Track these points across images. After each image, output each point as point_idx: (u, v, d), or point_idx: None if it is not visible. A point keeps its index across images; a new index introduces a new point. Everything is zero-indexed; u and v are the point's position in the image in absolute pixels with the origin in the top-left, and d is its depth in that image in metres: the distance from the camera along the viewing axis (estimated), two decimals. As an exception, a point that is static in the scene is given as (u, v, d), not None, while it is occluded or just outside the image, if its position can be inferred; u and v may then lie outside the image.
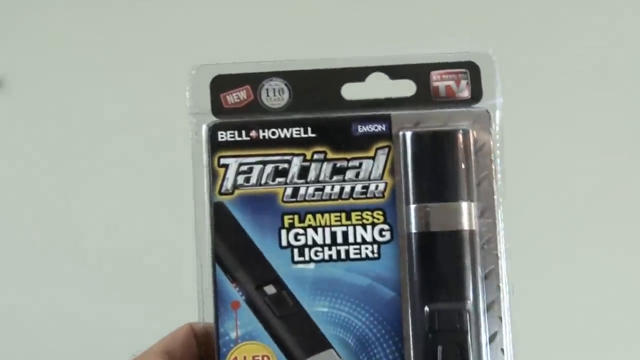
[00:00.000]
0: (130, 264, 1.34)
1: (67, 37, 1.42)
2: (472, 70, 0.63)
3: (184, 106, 0.63)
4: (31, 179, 1.39)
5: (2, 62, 1.41)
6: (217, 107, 0.62)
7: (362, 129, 0.61)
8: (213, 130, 0.62)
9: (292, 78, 0.63)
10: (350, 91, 0.63)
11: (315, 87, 0.63)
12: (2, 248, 1.39)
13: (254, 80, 0.63)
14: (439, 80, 0.63)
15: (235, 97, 0.63)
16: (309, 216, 0.61)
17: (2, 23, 1.43)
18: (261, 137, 0.61)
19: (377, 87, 0.64)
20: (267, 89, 0.63)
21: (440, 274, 0.60)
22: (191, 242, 0.62)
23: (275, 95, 0.63)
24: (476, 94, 0.63)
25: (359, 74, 0.63)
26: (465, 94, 0.62)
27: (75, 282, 1.34)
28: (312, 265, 0.61)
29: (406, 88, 0.64)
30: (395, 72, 0.63)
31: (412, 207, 0.61)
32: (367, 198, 0.61)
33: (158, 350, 0.62)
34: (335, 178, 0.61)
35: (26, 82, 1.41)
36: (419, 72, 0.63)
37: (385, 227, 0.61)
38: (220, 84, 0.63)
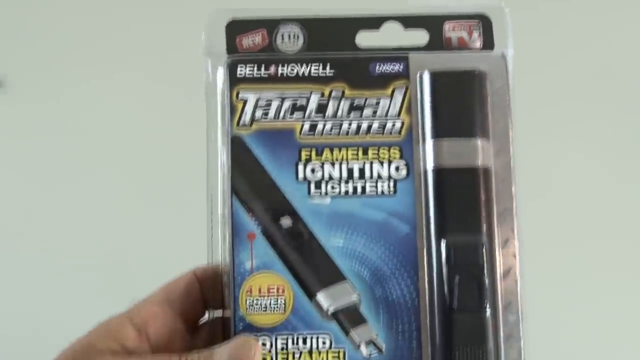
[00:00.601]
0: (127, 264, 1.33)
1: (67, 37, 1.43)
2: (484, 22, 0.65)
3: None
4: (31, 179, 1.38)
5: (2, 62, 1.42)
6: (232, 50, 0.64)
7: (380, 68, 0.63)
8: (232, 65, 0.63)
9: (308, 24, 0.64)
10: (365, 39, 0.65)
11: (330, 34, 0.64)
12: (2, 248, 1.38)
13: (270, 25, 0.64)
14: (452, 31, 0.65)
15: (251, 40, 0.64)
16: (326, 151, 0.62)
17: (2, 23, 1.44)
18: (280, 73, 0.63)
19: (391, 35, 0.66)
20: (282, 34, 0.64)
21: (456, 209, 0.61)
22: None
23: (290, 40, 0.64)
24: (488, 45, 0.65)
25: (373, 22, 0.65)
26: (477, 44, 0.64)
27: (79, 282, 1.33)
28: (328, 200, 0.61)
29: (419, 37, 0.65)
30: (409, 21, 0.65)
31: (429, 143, 0.62)
32: (383, 135, 0.62)
33: (158, 299, 0.62)
34: (352, 115, 0.62)
35: (26, 82, 1.42)
36: (432, 22, 0.65)
37: (402, 163, 0.62)
38: (236, 28, 0.64)
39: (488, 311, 0.60)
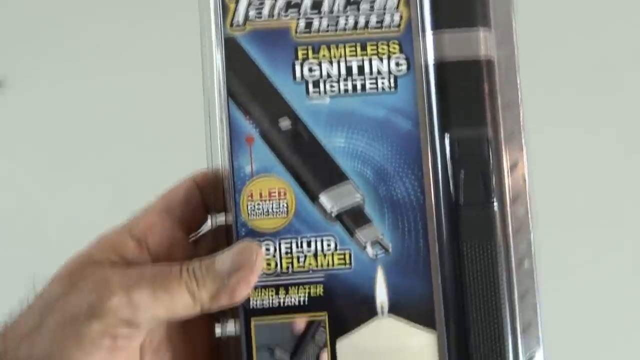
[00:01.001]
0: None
1: (67, 37, 1.43)
2: None
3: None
4: (31, 179, 1.38)
5: (2, 62, 1.42)
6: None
7: (375, -40, 0.61)
8: (222, -36, 0.61)
9: None
10: None
11: None
12: (2, 249, 1.38)
13: None
14: None
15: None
16: (323, 49, 0.60)
17: (2, 23, 1.44)
18: (272, -30, 0.61)
19: None
20: None
21: (459, 102, 0.60)
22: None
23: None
24: None
25: None
26: None
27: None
28: (327, 99, 0.60)
29: None
30: None
31: (429, 35, 0.60)
32: (382, 30, 0.61)
33: (157, 209, 0.61)
34: (349, 10, 0.61)
35: (26, 82, 1.42)
36: None
37: (402, 58, 0.60)
38: None
39: (495, 205, 0.58)
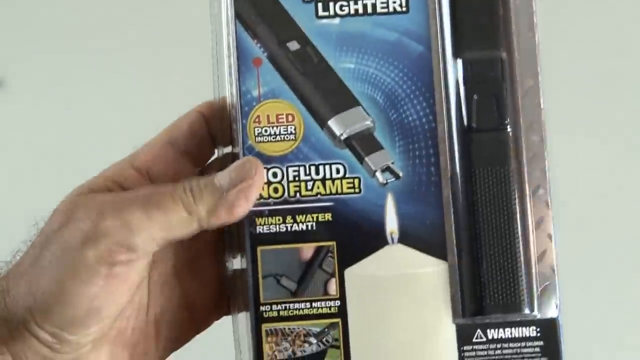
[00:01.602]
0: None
1: (67, 37, 1.43)
2: None
3: None
4: (31, 179, 1.38)
5: (2, 62, 1.43)
6: None
7: None
8: None
9: None
10: None
11: None
12: (3, 249, 1.38)
13: None
14: None
15: None
16: (333, -32, 0.59)
17: (2, 23, 1.44)
18: None
19: None
20: None
21: (472, 24, 0.58)
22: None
23: None
24: None
25: None
26: None
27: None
28: (337, 20, 0.59)
29: None
30: None
31: (442, -45, 0.59)
32: (393, -50, 0.59)
33: (161, 141, 0.59)
34: None
35: (26, 82, 1.43)
36: None
37: (413, -21, 0.59)
38: None
39: (509, 130, 0.57)
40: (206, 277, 0.61)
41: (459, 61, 0.58)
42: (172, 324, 0.60)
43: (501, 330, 0.58)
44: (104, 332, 0.56)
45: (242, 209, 0.55)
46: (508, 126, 0.58)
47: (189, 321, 0.60)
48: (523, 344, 0.58)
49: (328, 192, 0.58)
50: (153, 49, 1.42)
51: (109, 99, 1.38)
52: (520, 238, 0.57)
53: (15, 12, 1.43)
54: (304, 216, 0.58)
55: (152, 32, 1.45)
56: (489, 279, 0.57)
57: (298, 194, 0.58)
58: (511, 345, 0.58)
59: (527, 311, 0.57)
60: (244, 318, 0.58)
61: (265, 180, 0.58)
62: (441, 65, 0.59)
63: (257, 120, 0.58)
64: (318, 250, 0.58)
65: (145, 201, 0.55)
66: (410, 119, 0.59)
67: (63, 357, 0.56)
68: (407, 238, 0.58)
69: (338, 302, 0.57)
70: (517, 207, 0.57)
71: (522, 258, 0.57)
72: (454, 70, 0.59)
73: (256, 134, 0.58)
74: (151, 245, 0.55)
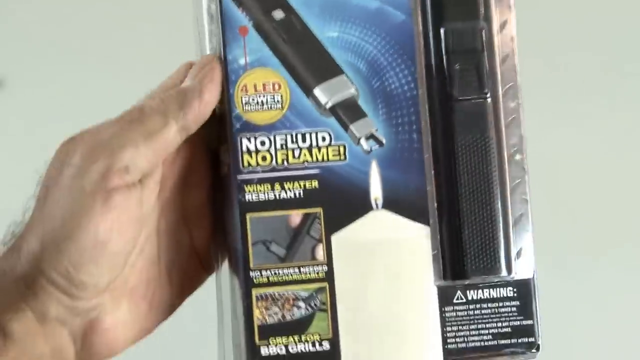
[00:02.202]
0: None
1: (67, 37, 1.43)
2: None
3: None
4: (31, 179, 1.36)
5: (2, 62, 1.43)
6: None
7: None
8: None
9: None
10: None
11: None
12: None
13: None
14: None
15: None
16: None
17: (2, 23, 1.43)
18: None
19: None
20: None
21: (453, -6, 0.60)
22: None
23: None
24: None
25: None
26: None
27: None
28: (320, -10, 0.60)
29: None
30: None
31: None
32: None
33: (175, 93, 0.60)
34: None
35: (26, 82, 1.43)
36: None
37: (394, -52, 0.60)
38: None
39: (489, 98, 0.60)
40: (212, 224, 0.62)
41: (441, 30, 0.60)
42: (184, 272, 0.62)
43: (480, 291, 0.61)
44: (117, 274, 0.57)
45: (211, 93, 0.58)
46: (488, 95, 0.60)
47: (199, 267, 0.62)
48: (500, 304, 0.61)
49: (314, 159, 0.59)
50: (153, 49, 1.43)
51: (109, 99, 1.38)
52: (499, 205, 0.60)
53: (16, 12, 1.44)
54: (292, 184, 0.59)
55: (152, 32, 1.45)
56: (469, 244, 0.60)
57: (285, 162, 0.59)
58: (489, 305, 0.61)
59: (504, 273, 0.60)
60: (235, 283, 0.60)
61: (253, 149, 0.59)
62: (422, 34, 0.61)
63: (244, 89, 0.59)
64: (306, 217, 0.59)
65: (121, 122, 0.58)
66: (392, 87, 0.60)
67: (83, 305, 0.57)
68: (390, 204, 0.60)
69: (325, 267, 0.59)
70: (496, 173, 0.60)
71: (500, 223, 0.60)
72: (435, 40, 0.60)
73: (244, 102, 0.59)
74: (141, 161, 0.57)
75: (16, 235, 0.58)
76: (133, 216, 0.57)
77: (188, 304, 0.64)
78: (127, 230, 0.56)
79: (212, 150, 0.62)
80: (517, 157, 0.61)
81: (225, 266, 0.62)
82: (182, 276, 0.62)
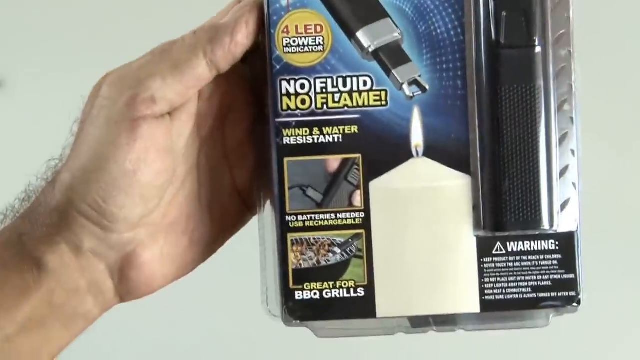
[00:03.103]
0: None
1: (67, 37, 1.44)
2: None
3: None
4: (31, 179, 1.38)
5: (2, 62, 1.44)
6: None
7: None
8: None
9: None
10: None
11: None
12: None
13: None
14: None
15: None
16: None
17: (2, 23, 1.44)
18: None
19: None
20: None
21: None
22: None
23: None
24: None
25: None
26: None
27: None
28: None
29: None
30: None
31: None
32: None
33: (207, 27, 0.60)
34: None
35: (26, 82, 1.44)
36: None
37: None
38: None
39: (537, 47, 0.58)
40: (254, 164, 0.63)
41: (490, -25, 0.59)
42: (225, 210, 0.63)
43: (520, 243, 0.60)
44: (150, 207, 0.58)
45: (243, 34, 0.58)
46: (536, 43, 0.59)
47: (241, 206, 0.63)
48: (541, 256, 0.60)
49: (355, 104, 0.59)
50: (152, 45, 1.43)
51: None
52: (543, 157, 0.59)
53: (16, 12, 1.45)
54: (331, 128, 0.59)
55: (152, 32, 1.45)
56: (511, 195, 0.59)
57: (325, 106, 0.59)
58: (530, 257, 0.60)
59: (546, 227, 0.59)
60: (270, 227, 0.60)
61: (293, 92, 0.59)
62: (471, -22, 0.59)
63: (285, 30, 0.59)
64: (344, 162, 0.59)
65: (151, 53, 0.59)
66: (438, 31, 0.60)
67: (117, 238, 0.58)
68: (431, 151, 0.60)
69: (362, 214, 0.60)
70: (542, 125, 0.59)
71: (544, 176, 0.59)
72: (485, -16, 0.59)
73: (284, 44, 0.59)
74: (169, 92, 0.57)
75: (55, 170, 0.59)
76: (162, 147, 0.58)
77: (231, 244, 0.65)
78: (156, 161, 0.57)
79: (258, 90, 0.62)
80: (566, 107, 0.60)
81: (268, 207, 0.62)
82: (224, 214, 0.63)
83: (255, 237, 0.63)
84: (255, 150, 0.62)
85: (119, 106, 0.57)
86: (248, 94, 0.61)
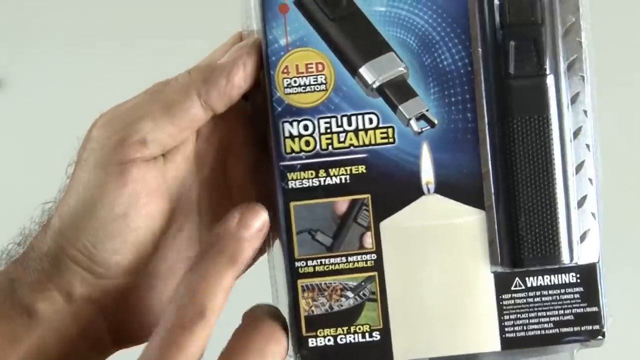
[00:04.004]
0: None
1: (67, 37, 1.45)
2: None
3: None
4: (31, 179, 1.39)
5: (2, 62, 1.45)
6: None
7: None
8: None
9: None
10: None
11: None
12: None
13: None
14: None
15: None
16: None
17: (2, 23, 1.45)
18: None
19: None
20: None
21: (510, -38, 0.57)
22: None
23: None
24: None
25: None
26: None
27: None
28: (366, -39, 0.57)
29: None
30: None
31: None
32: None
33: (202, 67, 0.59)
34: None
35: (26, 82, 1.45)
36: None
37: None
38: None
39: (548, 75, 0.57)
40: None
41: (496, 3, 0.57)
42: None
43: (540, 277, 0.59)
44: (144, 253, 0.57)
45: (239, 77, 0.57)
46: (547, 72, 0.57)
47: None
48: (562, 290, 0.59)
49: (361, 143, 0.58)
50: (153, 48, 1.43)
51: (109, 99, 1.39)
52: (559, 188, 0.57)
53: (16, 12, 1.45)
54: (337, 169, 0.58)
55: (152, 32, 1.45)
56: (527, 231, 0.58)
57: (330, 147, 0.58)
58: (550, 292, 0.59)
59: (566, 261, 0.58)
60: (280, 274, 0.59)
61: (296, 134, 0.58)
62: (477, 7, 0.58)
63: (285, 70, 0.58)
64: (353, 204, 0.58)
65: (143, 94, 0.58)
66: (445, 63, 0.58)
67: (111, 284, 0.57)
68: (443, 188, 0.58)
69: (374, 256, 0.58)
70: (557, 155, 0.57)
71: (561, 208, 0.58)
72: (490, 13, 0.57)
73: (285, 85, 0.58)
74: (160, 134, 0.56)
75: (50, 214, 0.58)
76: (154, 191, 0.57)
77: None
78: (147, 205, 0.56)
79: (260, 128, 0.60)
80: (581, 135, 0.58)
81: (277, 246, 0.61)
82: None
83: (264, 275, 0.62)
84: (259, 190, 0.60)
85: (107, 149, 0.56)
86: (249, 131, 0.60)
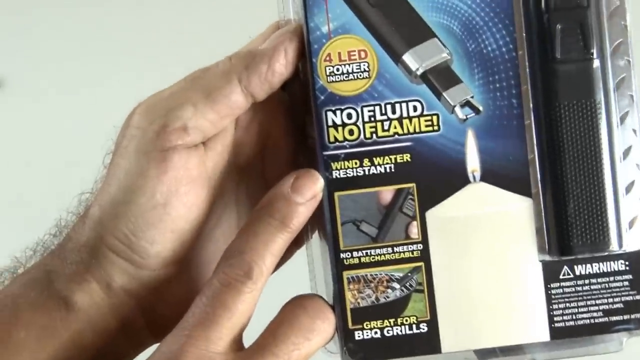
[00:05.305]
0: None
1: (67, 37, 1.45)
2: None
3: None
4: (31, 179, 1.39)
5: (2, 62, 1.46)
6: None
7: None
8: None
9: None
10: None
11: None
12: (4, 250, 1.39)
13: None
14: None
15: None
16: None
17: (2, 23, 1.47)
18: None
19: None
20: None
21: (554, -55, 0.57)
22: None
23: None
24: None
25: None
26: None
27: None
28: (407, -54, 0.58)
29: None
30: None
31: None
32: None
33: (243, 53, 0.59)
34: None
35: (26, 82, 1.47)
36: None
37: None
38: None
39: (595, 59, 0.57)
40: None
41: (541, -15, 0.57)
42: None
43: (588, 265, 0.59)
44: (184, 243, 0.57)
45: (280, 64, 0.57)
46: (594, 56, 0.57)
47: None
48: (612, 278, 0.59)
49: (406, 131, 0.58)
50: (153, 49, 1.43)
51: (108, 99, 1.40)
52: (607, 174, 0.58)
53: (16, 12, 1.46)
54: (382, 158, 0.58)
55: (152, 32, 1.46)
56: (575, 218, 0.58)
57: (374, 135, 0.58)
58: (599, 280, 0.59)
59: (615, 248, 0.58)
60: (319, 267, 0.59)
61: (340, 122, 0.58)
62: (522, -9, 0.58)
63: (328, 58, 0.58)
64: (398, 193, 0.58)
65: (184, 80, 0.57)
66: (489, 49, 0.58)
67: (149, 275, 0.57)
68: (489, 175, 0.58)
69: (420, 246, 0.58)
70: (604, 141, 0.57)
71: (610, 194, 0.58)
72: (536, -4, 0.58)
73: (327, 73, 0.58)
74: (202, 121, 0.56)
75: (87, 204, 0.58)
76: (195, 179, 0.56)
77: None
78: (188, 194, 0.56)
79: (298, 119, 0.60)
80: (628, 119, 0.58)
81: (316, 238, 0.61)
82: None
83: (303, 269, 0.62)
84: None
85: (148, 136, 0.55)
86: (288, 122, 0.60)
